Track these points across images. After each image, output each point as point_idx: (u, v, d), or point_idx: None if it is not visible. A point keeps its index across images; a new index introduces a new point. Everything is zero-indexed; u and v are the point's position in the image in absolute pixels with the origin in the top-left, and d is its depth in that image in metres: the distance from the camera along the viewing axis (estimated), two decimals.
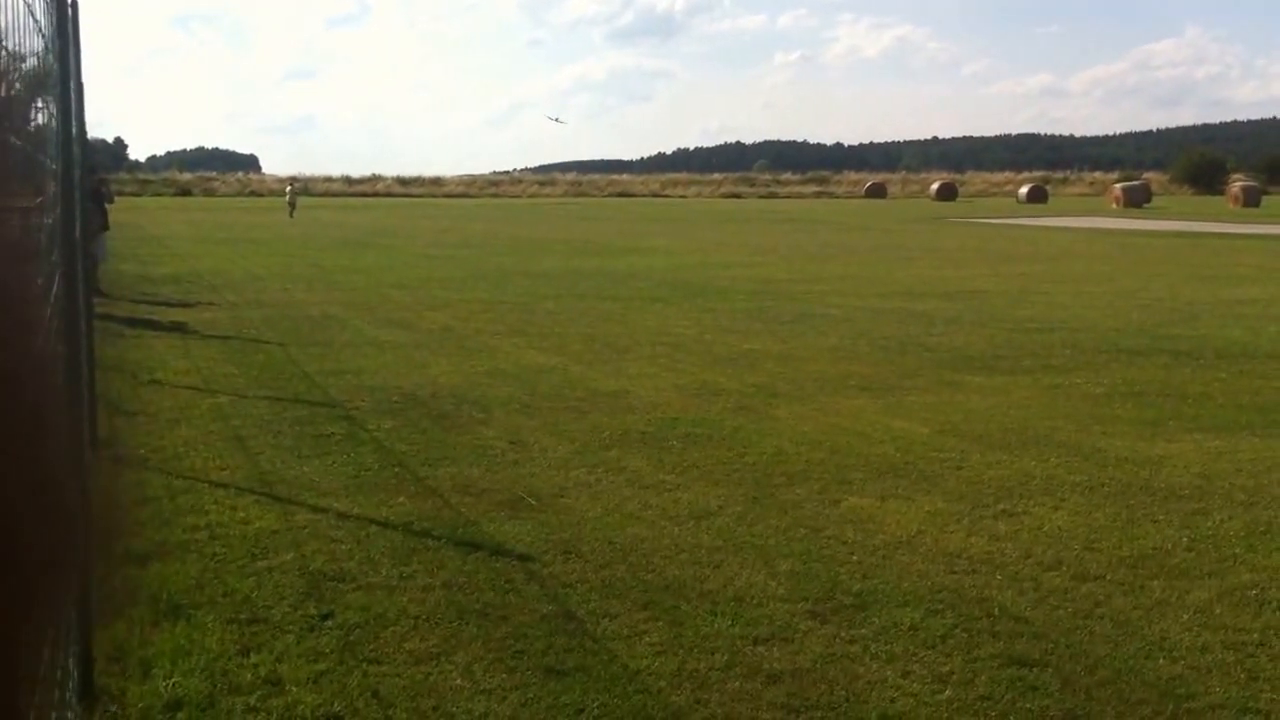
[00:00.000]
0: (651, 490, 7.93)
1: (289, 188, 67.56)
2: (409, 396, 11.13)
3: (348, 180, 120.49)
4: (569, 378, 12.26)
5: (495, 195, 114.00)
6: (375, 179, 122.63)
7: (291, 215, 57.27)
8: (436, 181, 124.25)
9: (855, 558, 6.55)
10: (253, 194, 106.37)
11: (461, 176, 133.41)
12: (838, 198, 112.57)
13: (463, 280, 23.66)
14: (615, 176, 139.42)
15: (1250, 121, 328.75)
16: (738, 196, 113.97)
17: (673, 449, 9.12)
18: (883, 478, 8.30)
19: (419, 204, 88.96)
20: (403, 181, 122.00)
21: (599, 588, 6.04)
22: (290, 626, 5.50)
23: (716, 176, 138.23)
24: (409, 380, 12.01)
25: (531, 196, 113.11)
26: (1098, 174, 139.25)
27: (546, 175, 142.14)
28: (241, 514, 7.26)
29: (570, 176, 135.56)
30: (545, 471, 8.39)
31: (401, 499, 7.62)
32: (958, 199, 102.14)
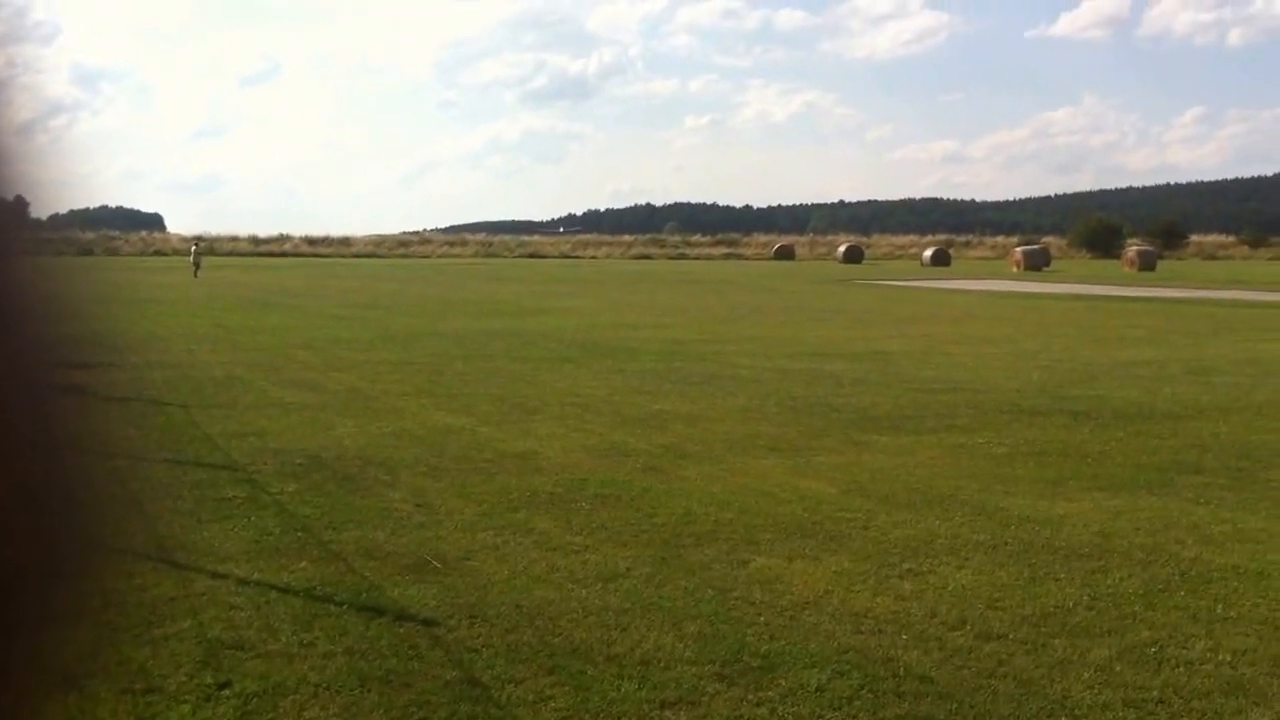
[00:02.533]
0: (559, 552, 7.88)
1: (194, 247, 66.77)
2: (313, 459, 10.98)
3: (254, 240, 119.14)
4: (477, 439, 12.18)
5: (404, 255, 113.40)
6: (283, 238, 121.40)
7: (196, 275, 56.54)
8: (345, 241, 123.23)
9: (763, 619, 6.55)
10: (157, 253, 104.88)
11: (371, 236, 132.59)
12: (747, 259, 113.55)
13: (370, 341, 23.48)
14: (525, 237, 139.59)
15: (1145, 188, 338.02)
16: (648, 258, 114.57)
17: (581, 510, 9.08)
18: (790, 538, 8.33)
19: (327, 264, 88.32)
20: (311, 241, 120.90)
21: (504, 652, 5.97)
22: (186, 696, 5.37)
23: (627, 238, 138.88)
24: (314, 442, 11.86)
25: (441, 256, 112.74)
26: (999, 238, 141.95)
27: (456, 235, 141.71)
28: (138, 580, 7.09)
29: (480, 237, 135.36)
30: (451, 534, 8.31)
31: (303, 564, 7.50)
32: (864, 261, 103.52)
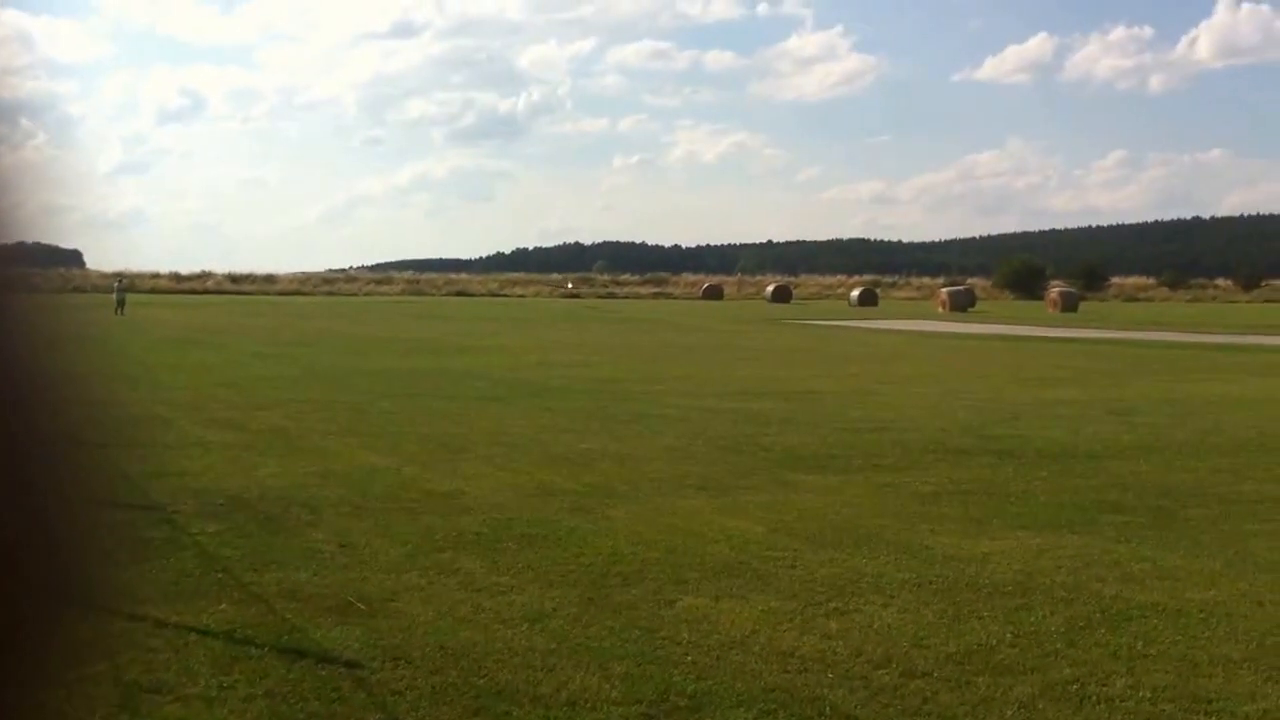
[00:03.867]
0: (485, 593, 7.82)
1: (116, 284, 65.84)
2: (235, 499, 10.83)
3: (176, 277, 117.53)
4: (403, 478, 12.08)
5: (330, 293, 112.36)
6: (205, 275, 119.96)
7: (119, 312, 55.74)
8: (269, 279, 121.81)
9: (690, 658, 6.53)
10: (76, 289, 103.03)
11: (296, 274, 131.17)
12: (675, 298, 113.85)
13: (295, 379, 23.25)
14: (453, 275, 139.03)
15: (1067, 230, 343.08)
16: (576, 296, 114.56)
17: (507, 550, 9.02)
18: (718, 577, 8.32)
19: (251, 301, 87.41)
20: (234, 279, 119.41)
21: (429, 694, 5.90)
22: None
23: (556, 276, 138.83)
24: (236, 482, 11.70)
25: (368, 294, 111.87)
26: (925, 278, 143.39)
27: (383, 273, 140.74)
28: (54, 623, 6.92)
29: (407, 275, 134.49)
30: (376, 575, 8.21)
31: (223, 606, 7.37)
32: (792, 301, 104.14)
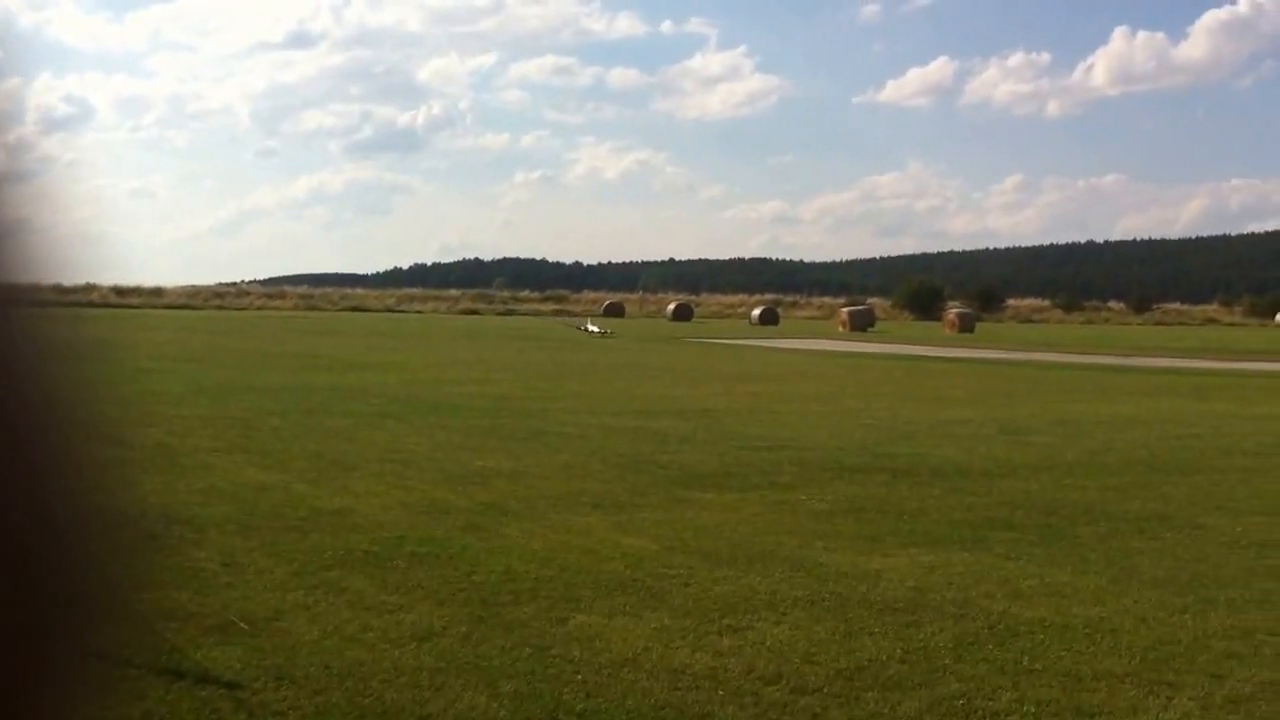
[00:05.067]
0: (373, 611, 7.69)
1: None
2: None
3: (58, 289, 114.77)
4: (291, 496, 11.87)
5: (220, 307, 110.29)
6: (90, 288, 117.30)
7: None
8: (157, 292, 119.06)
9: (580, 676, 6.47)
10: None
11: (185, 287, 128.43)
12: (576, 315, 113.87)
13: (181, 395, 22.75)
14: (349, 291, 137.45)
15: (965, 251, 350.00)
16: (475, 313, 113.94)
17: (397, 569, 8.89)
18: (611, 595, 8.27)
19: (137, 315, 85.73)
20: (120, 291, 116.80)
21: (312, 715, 5.77)
22: None
23: (454, 292, 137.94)
24: (116, 500, 11.38)
25: (260, 309, 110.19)
26: (826, 298, 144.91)
27: (276, 288, 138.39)
28: None
29: (301, 289, 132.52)
30: (260, 594, 8.04)
31: (100, 625, 7.15)
32: (693, 319, 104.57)
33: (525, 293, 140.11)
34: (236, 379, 27.43)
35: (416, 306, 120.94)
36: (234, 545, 9.55)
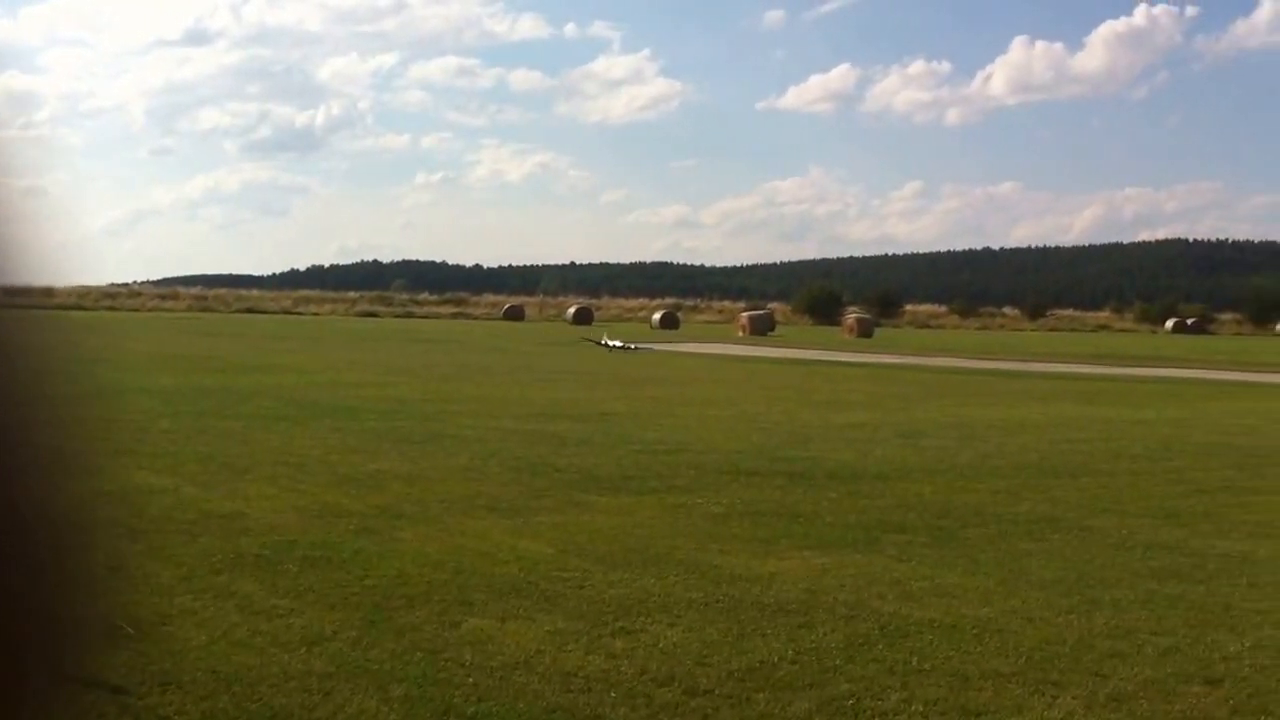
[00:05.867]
0: (262, 616, 7.57)
1: None
2: None
3: None
4: (181, 499, 11.65)
5: (112, 308, 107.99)
6: None
7: None
8: (47, 292, 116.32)
9: (472, 680, 6.43)
10: None
11: (75, 288, 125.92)
12: (476, 319, 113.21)
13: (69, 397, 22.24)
14: (244, 292, 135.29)
15: (865, 257, 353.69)
16: (374, 315, 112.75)
17: (288, 573, 8.76)
18: (505, 598, 8.23)
19: (25, 317, 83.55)
20: (9, 292, 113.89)
21: None
22: None
23: (352, 294, 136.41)
24: None
25: (152, 310, 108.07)
26: (726, 302, 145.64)
27: (169, 289, 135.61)
28: None
29: (195, 291, 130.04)
30: (147, 599, 7.87)
31: None
32: (594, 323, 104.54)
33: (425, 295, 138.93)
34: (127, 381, 26.83)
35: (314, 308, 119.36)
36: (121, 549, 9.32)
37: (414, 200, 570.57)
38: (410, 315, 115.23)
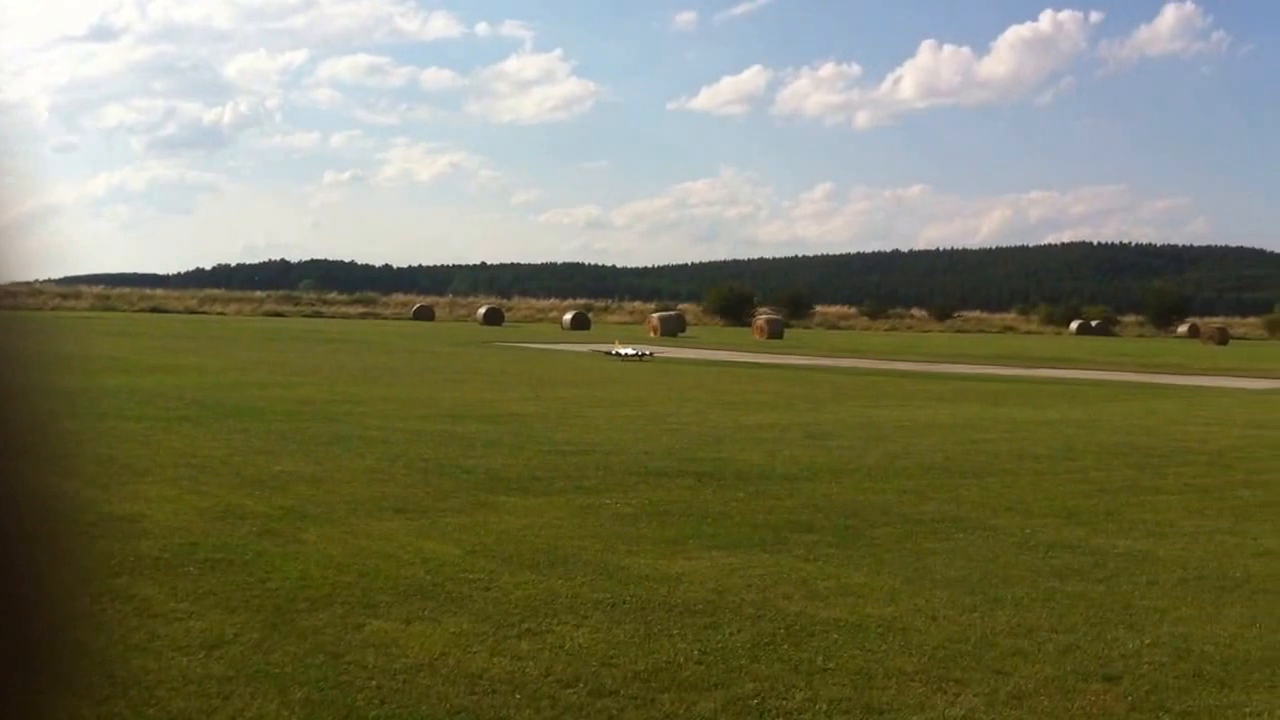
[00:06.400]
0: (160, 619, 7.43)
1: None
2: None
3: None
4: (78, 502, 11.38)
5: (13, 308, 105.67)
6: None
7: None
8: None
9: (374, 683, 6.35)
10: None
11: None
12: (385, 319, 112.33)
13: None
14: (148, 291, 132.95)
15: (776, 259, 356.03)
16: (280, 315, 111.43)
17: (188, 575, 8.60)
18: (410, 600, 8.15)
19: None
20: None
21: None
22: None
23: (259, 294, 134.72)
24: None
25: (54, 309, 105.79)
26: (638, 303, 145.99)
27: (71, 287, 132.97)
28: None
29: (98, 289, 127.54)
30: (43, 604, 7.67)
31: None
32: (504, 323, 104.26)
33: (333, 295, 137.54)
34: (25, 381, 26.26)
35: (219, 308, 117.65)
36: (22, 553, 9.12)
37: (323, 199, 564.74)
38: (318, 315, 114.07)
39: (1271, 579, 9.79)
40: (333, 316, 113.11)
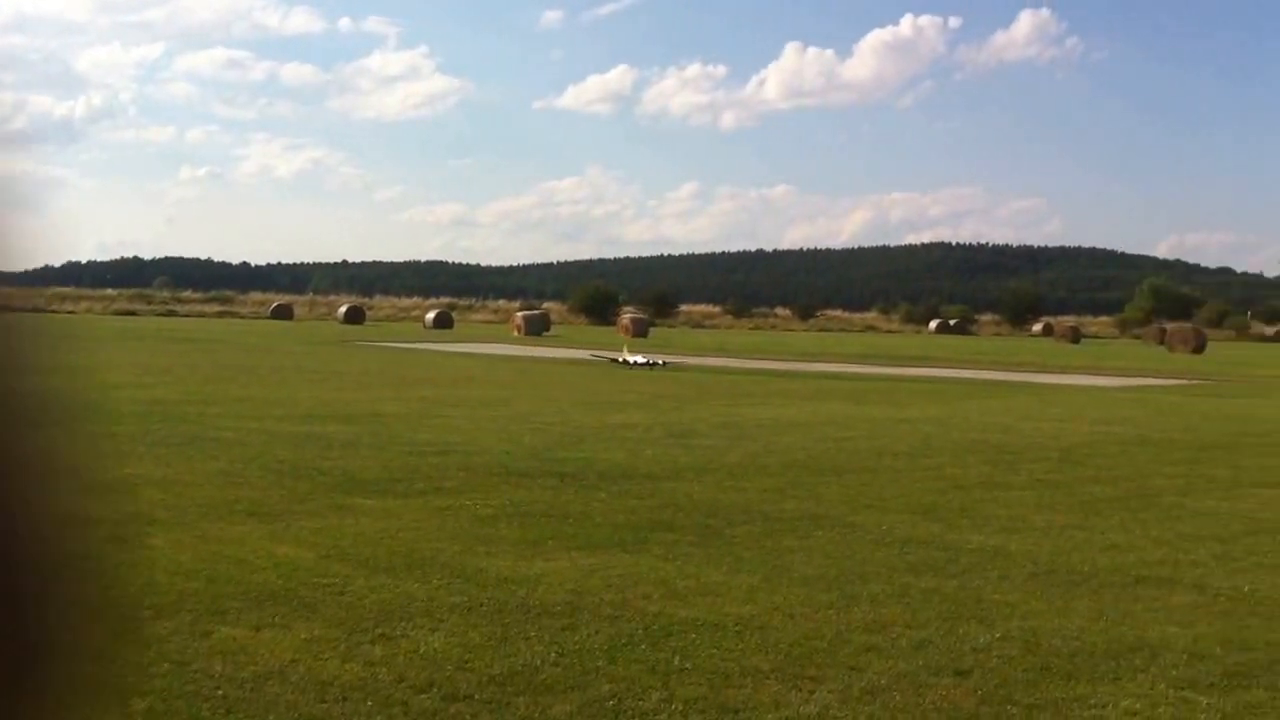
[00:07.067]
0: None
1: None
2: None
3: None
4: None
5: None
6: None
7: None
8: None
9: (221, 692, 6.17)
10: None
11: None
12: (243, 318, 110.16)
13: None
14: None
15: (641, 258, 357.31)
16: (133, 314, 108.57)
17: None
18: (260, 606, 7.95)
19: None
20: None
21: None
22: None
23: (110, 292, 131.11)
24: None
25: None
26: (502, 302, 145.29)
27: None
28: None
29: None
30: None
31: None
32: (366, 322, 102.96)
33: (189, 293, 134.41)
34: None
35: (69, 306, 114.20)
36: None
37: (178, 195, 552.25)
38: (172, 314, 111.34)
39: (1117, 572, 10.04)
40: (188, 315, 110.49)
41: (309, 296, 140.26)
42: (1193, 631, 8.18)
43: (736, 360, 52.11)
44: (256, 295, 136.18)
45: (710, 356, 55.00)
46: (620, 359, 42.13)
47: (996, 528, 12.01)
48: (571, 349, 59.58)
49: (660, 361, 42.75)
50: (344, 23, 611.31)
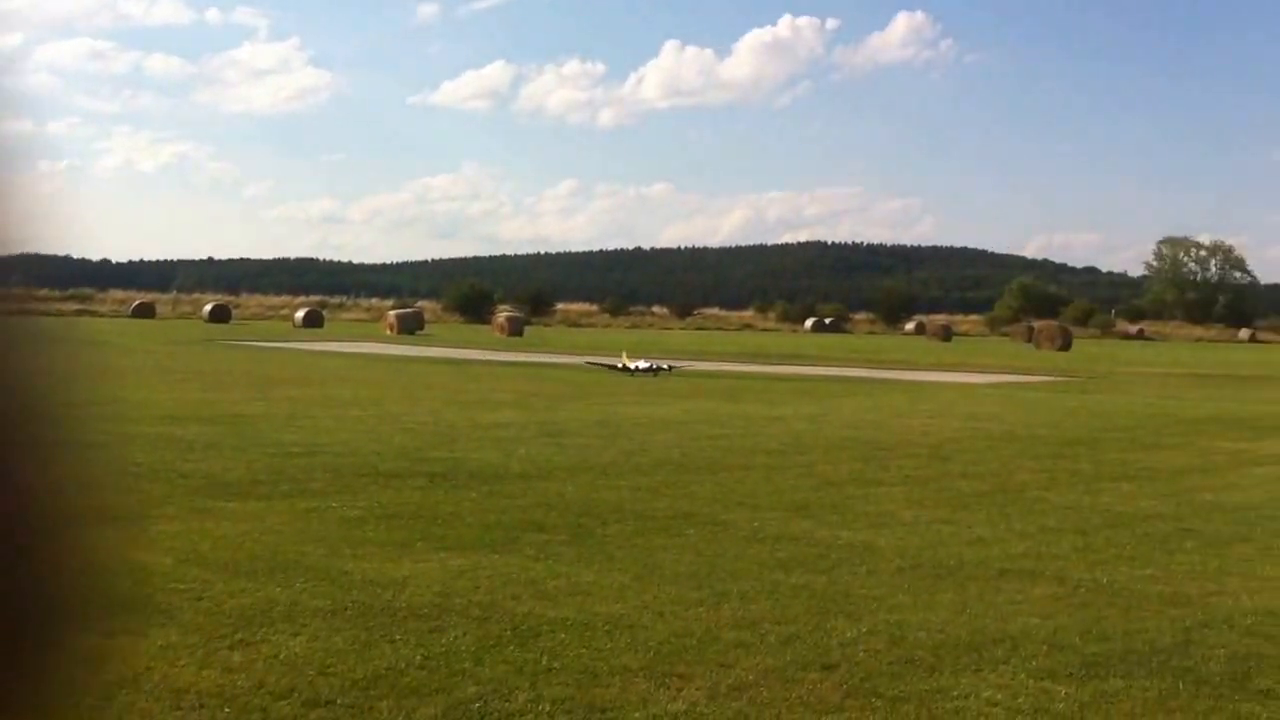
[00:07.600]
0: None
1: None
2: None
3: None
4: None
5: None
6: None
7: None
8: None
9: (69, 702, 5.92)
10: None
11: None
12: (102, 316, 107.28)
13: None
14: None
15: (518, 256, 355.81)
16: (657, 371, 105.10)
17: None
18: (114, 613, 7.65)
19: None
20: None
21: None
22: None
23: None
24: None
25: None
26: (375, 300, 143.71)
27: None
28: None
29: None
30: None
31: None
32: (232, 321, 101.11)
33: (45, 291, 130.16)
34: None
35: None
36: None
37: (36, 189, 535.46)
38: (25, 313, 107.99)
39: (981, 565, 10.19)
40: (43, 313, 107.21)
41: (173, 295, 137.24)
42: (1053, 623, 8.32)
43: (611, 359, 52.04)
44: (117, 293, 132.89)
45: (585, 355, 54.88)
46: (620, 365, 40.66)
47: (866, 523, 12.12)
48: (446, 348, 59.16)
49: (666, 366, 41.55)
50: (212, 13, 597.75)
